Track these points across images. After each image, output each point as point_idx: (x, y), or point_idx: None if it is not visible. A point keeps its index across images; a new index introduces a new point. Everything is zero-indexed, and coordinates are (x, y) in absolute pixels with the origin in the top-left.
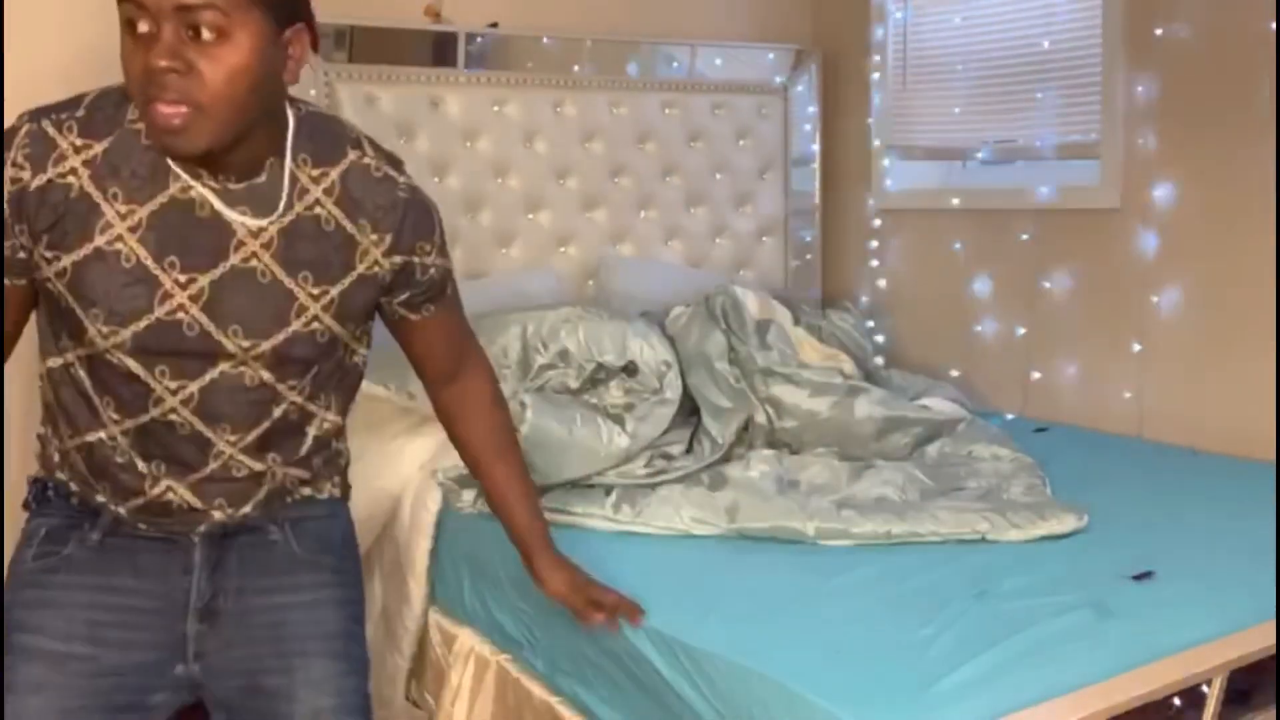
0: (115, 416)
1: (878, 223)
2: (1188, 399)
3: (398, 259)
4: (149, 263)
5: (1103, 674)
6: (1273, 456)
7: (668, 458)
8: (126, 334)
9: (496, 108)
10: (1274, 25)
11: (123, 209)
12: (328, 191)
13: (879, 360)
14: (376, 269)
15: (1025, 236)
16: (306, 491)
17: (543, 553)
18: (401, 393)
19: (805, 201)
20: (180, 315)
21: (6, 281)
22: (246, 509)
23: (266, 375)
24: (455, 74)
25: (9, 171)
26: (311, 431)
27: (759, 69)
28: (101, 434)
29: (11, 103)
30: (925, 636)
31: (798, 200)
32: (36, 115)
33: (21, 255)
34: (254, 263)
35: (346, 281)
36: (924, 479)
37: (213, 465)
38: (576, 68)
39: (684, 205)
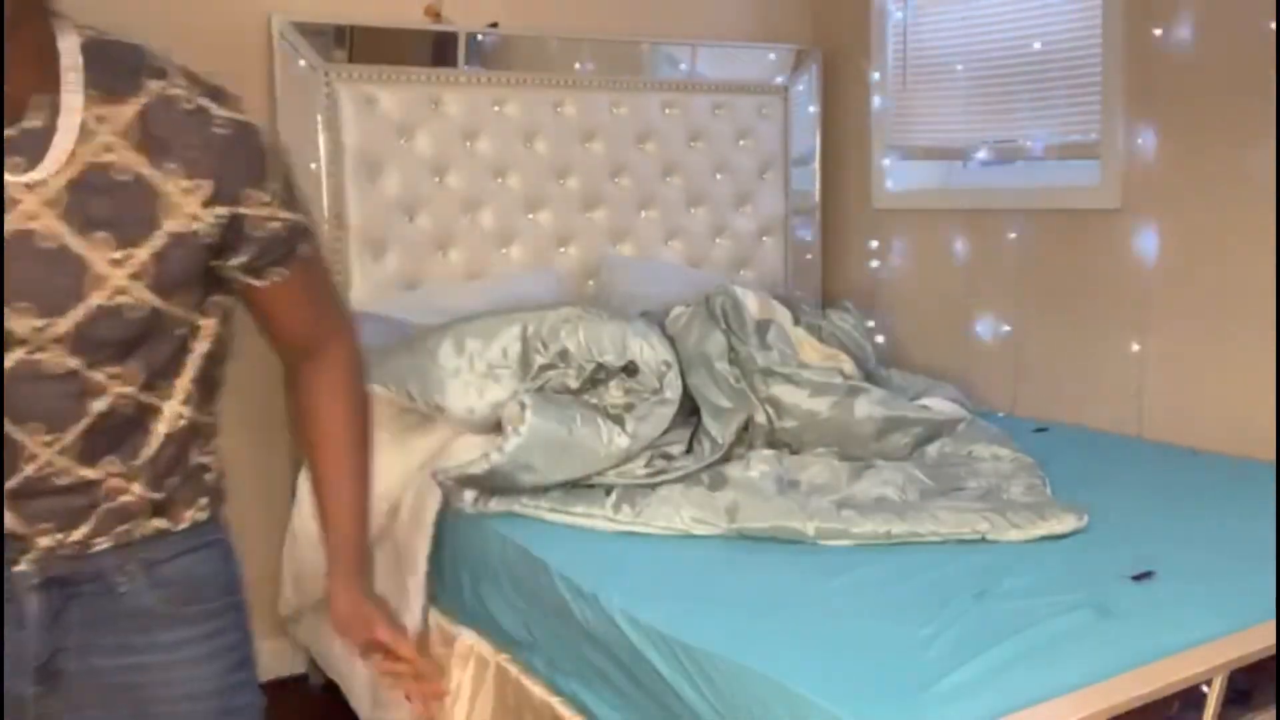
0: None
1: (878, 223)
2: (1188, 399)
3: (222, 211)
4: None
5: (1103, 674)
6: (1273, 456)
7: (668, 458)
8: None
9: (496, 108)
10: (1274, 25)
11: None
12: (122, 133)
13: (879, 360)
14: (195, 225)
15: (1025, 236)
16: (159, 524)
17: (349, 573)
18: (401, 392)
19: (805, 201)
20: None
21: None
22: (78, 534)
23: (73, 361)
24: (455, 74)
25: None
26: (159, 429)
27: (759, 69)
28: None
29: None
30: (925, 636)
31: (798, 200)
32: None
33: None
34: (34, 224)
35: (157, 242)
36: (924, 479)
37: (28, 471)
38: (577, 67)
39: (684, 205)
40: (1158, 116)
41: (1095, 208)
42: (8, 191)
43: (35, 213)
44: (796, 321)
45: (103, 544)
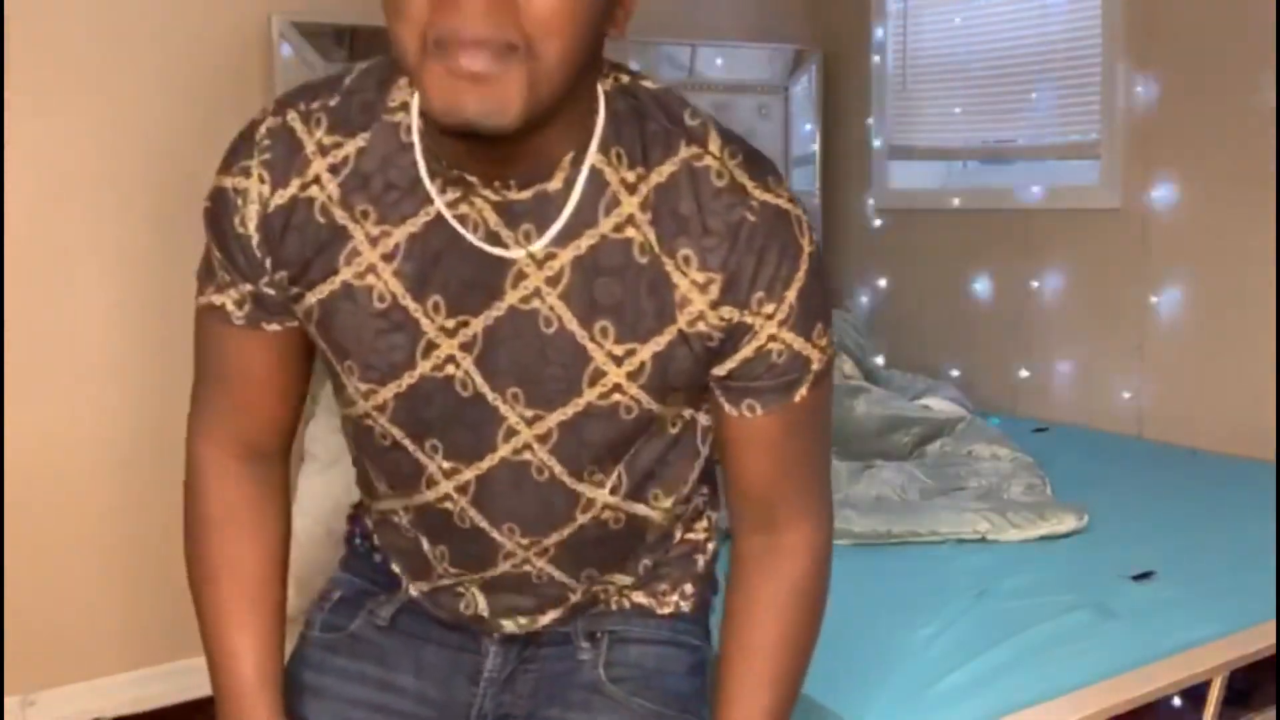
0: (388, 491)
1: (878, 223)
2: (1188, 399)
3: (727, 313)
4: (407, 302)
5: (1103, 674)
6: (1273, 456)
7: None
8: (387, 394)
9: None
10: (1274, 25)
11: (374, 231)
12: (644, 204)
13: (879, 360)
14: (702, 326)
15: (1025, 236)
16: (640, 599)
17: None
18: None
19: (805, 201)
20: (451, 370)
21: (269, 327)
22: (546, 620)
23: (558, 466)
24: None
25: (247, 184)
26: (649, 538)
27: (759, 69)
28: (383, 505)
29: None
30: (925, 636)
31: (797, 200)
32: (283, 104)
33: (270, 291)
34: (536, 304)
35: (663, 340)
36: (924, 478)
37: (504, 567)
38: None
39: None
40: (1158, 116)
41: (1095, 208)
42: (519, 263)
43: (540, 290)
44: None
45: (572, 624)
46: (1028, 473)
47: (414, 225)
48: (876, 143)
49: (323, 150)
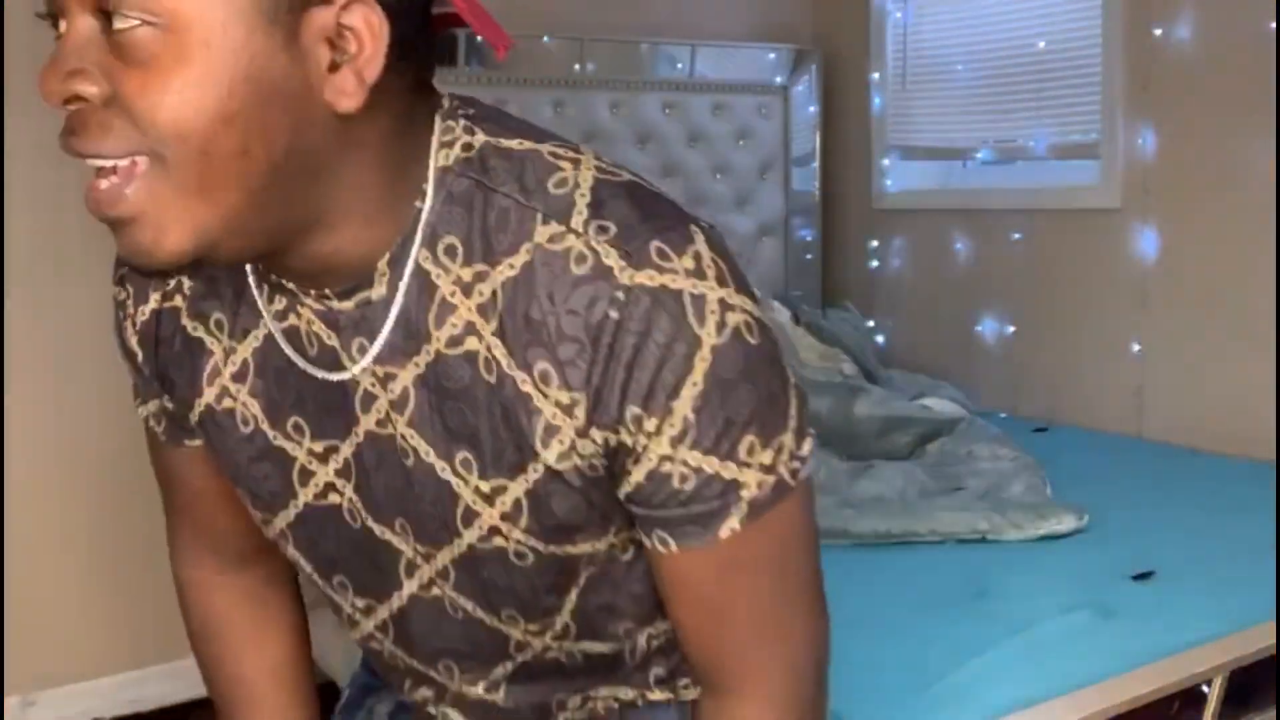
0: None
1: (878, 223)
2: (1188, 399)
3: (599, 436)
4: (266, 427)
5: (1103, 674)
6: (1273, 456)
7: None
8: (280, 524)
9: None
10: (1274, 25)
11: (228, 345)
12: (486, 309)
13: (879, 360)
14: (576, 459)
15: (1025, 236)
16: (656, 696)
17: None
18: None
19: (805, 201)
20: (335, 498)
21: (190, 443)
22: None
23: (470, 604)
24: (455, 73)
25: (123, 295)
26: (630, 660)
27: (759, 69)
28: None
29: None
30: (925, 636)
31: (798, 200)
32: None
33: (172, 408)
34: (390, 430)
35: (532, 476)
36: (924, 478)
37: (469, 693)
38: (576, 68)
39: (684, 206)
40: (1158, 116)
41: (1095, 208)
42: (363, 383)
43: (388, 414)
44: (796, 321)
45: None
46: (1028, 473)
47: (256, 339)
48: (876, 143)
49: None
